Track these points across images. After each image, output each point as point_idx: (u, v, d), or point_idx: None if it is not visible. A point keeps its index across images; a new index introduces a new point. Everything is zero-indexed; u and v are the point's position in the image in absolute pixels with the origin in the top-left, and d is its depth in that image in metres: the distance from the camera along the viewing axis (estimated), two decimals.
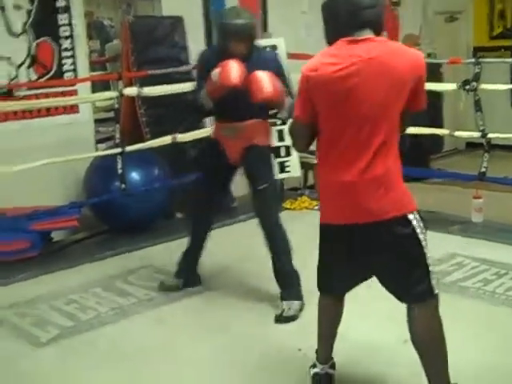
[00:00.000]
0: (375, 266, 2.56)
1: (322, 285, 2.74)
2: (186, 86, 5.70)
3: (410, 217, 2.44)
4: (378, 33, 2.45)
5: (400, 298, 2.56)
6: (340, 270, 2.64)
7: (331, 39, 2.49)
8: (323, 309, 2.78)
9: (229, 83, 3.50)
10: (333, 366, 2.85)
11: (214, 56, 3.72)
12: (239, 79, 3.50)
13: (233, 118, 3.77)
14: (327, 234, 2.62)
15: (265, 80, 3.52)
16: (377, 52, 2.37)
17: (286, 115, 3.69)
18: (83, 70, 5.48)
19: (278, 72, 3.68)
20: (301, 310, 3.67)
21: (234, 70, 3.50)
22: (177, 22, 5.95)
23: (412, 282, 2.48)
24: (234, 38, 3.59)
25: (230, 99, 3.60)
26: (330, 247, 2.62)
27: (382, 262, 2.52)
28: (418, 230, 2.45)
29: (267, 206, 3.89)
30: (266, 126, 3.94)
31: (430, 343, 2.52)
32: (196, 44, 6.08)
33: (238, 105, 3.66)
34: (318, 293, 2.78)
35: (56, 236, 5.22)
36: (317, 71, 2.42)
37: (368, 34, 2.42)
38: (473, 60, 5.47)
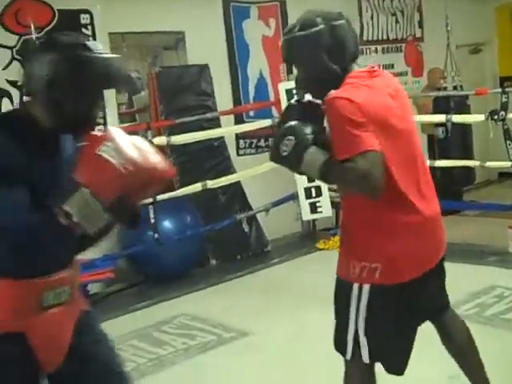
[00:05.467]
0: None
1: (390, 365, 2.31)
2: (215, 133, 5.80)
3: None
4: None
5: (440, 313, 2.51)
6: (410, 337, 2.32)
7: (332, 69, 2.20)
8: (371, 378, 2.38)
9: (168, 173, 1.94)
10: None
11: (12, 135, 1.78)
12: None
13: (57, 265, 1.90)
14: (400, 293, 2.23)
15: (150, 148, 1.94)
16: (393, 83, 2.31)
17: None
18: (113, 121, 5.58)
19: None
20: None
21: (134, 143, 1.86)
22: (202, 70, 6.05)
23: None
24: (107, 86, 2.01)
25: (52, 228, 1.76)
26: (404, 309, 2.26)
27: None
28: None
29: None
30: None
31: (470, 342, 2.47)
32: (222, 90, 6.18)
33: (66, 235, 1.81)
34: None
35: (92, 288, 5.24)
36: (371, 103, 2.13)
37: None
38: (499, 90, 5.44)
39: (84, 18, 5.33)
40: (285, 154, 2.17)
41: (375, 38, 7.42)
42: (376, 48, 7.40)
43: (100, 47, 1.85)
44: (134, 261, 5.39)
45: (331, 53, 2.18)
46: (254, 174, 5.95)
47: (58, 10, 5.15)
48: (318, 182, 5.93)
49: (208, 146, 5.85)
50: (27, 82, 1.84)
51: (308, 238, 6.37)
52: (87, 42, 1.84)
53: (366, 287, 2.19)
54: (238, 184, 6.04)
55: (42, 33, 5.05)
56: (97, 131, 1.86)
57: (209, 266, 5.76)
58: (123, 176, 1.76)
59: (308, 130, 2.17)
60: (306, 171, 2.18)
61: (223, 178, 5.68)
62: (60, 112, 1.82)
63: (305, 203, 5.99)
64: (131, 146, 1.83)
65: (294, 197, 6.15)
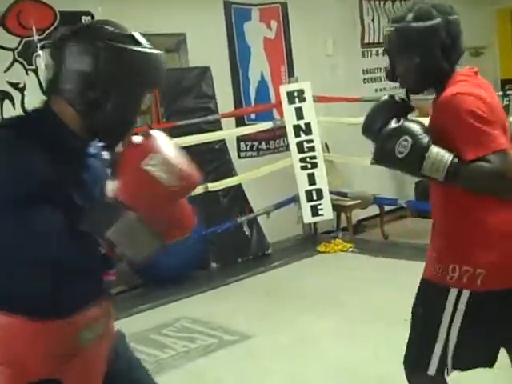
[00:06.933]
0: None
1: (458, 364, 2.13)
2: (216, 135, 5.80)
3: None
4: None
5: None
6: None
7: (442, 66, 2.09)
8: None
9: (197, 179, 1.72)
10: None
11: (44, 146, 1.51)
12: None
13: (95, 295, 1.75)
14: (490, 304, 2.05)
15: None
16: (490, 85, 2.17)
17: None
18: None
19: None
20: None
21: (178, 151, 1.69)
22: (204, 72, 6.04)
23: None
24: (153, 85, 1.76)
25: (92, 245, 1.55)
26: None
27: None
28: None
29: None
30: None
31: None
32: (223, 92, 6.17)
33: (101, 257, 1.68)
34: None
35: None
36: (492, 102, 2.02)
37: None
38: (501, 93, 5.44)
39: (86, 20, 5.32)
40: (401, 155, 1.95)
41: (376, 41, 7.40)
42: (377, 50, 7.39)
43: (146, 41, 1.60)
44: (134, 263, 5.37)
45: (444, 49, 2.08)
46: (255, 177, 5.95)
47: (59, 11, 5.15)
48: (318, 185, 5.94)
49: (209, 149, 5.84)
50: (56, 78, 1.55)
51: (309, 241, 6.35)
52: (134, 34, 1.58)
53: (466, 293, 2.02)
54: (239, 187, 6.03)
55: (44, 35, 5.06)
56: (135, 137, 1.60)
57: (210, 269, 5.75)
58: (175, 194, 1.54)
59: (422, 129, 1.98)
60: (427, 173, 1.95)
61: (224, 181, 5.68)
62: (99, 115, 1.55)
63: (306, 206, 5.98)
64: (177, 152, 1.59)
65: (295, 199, 6.14)
